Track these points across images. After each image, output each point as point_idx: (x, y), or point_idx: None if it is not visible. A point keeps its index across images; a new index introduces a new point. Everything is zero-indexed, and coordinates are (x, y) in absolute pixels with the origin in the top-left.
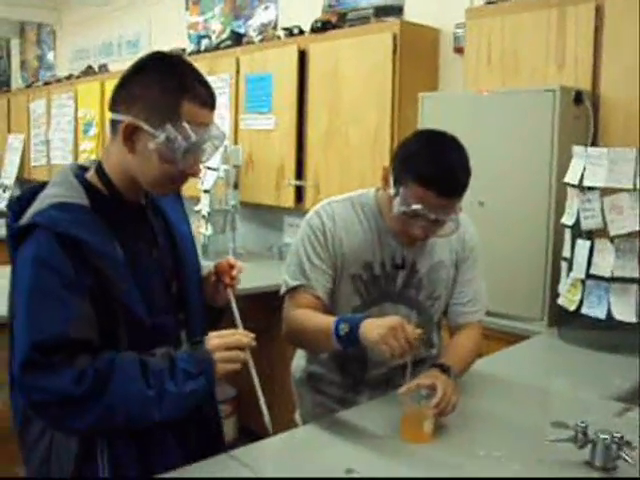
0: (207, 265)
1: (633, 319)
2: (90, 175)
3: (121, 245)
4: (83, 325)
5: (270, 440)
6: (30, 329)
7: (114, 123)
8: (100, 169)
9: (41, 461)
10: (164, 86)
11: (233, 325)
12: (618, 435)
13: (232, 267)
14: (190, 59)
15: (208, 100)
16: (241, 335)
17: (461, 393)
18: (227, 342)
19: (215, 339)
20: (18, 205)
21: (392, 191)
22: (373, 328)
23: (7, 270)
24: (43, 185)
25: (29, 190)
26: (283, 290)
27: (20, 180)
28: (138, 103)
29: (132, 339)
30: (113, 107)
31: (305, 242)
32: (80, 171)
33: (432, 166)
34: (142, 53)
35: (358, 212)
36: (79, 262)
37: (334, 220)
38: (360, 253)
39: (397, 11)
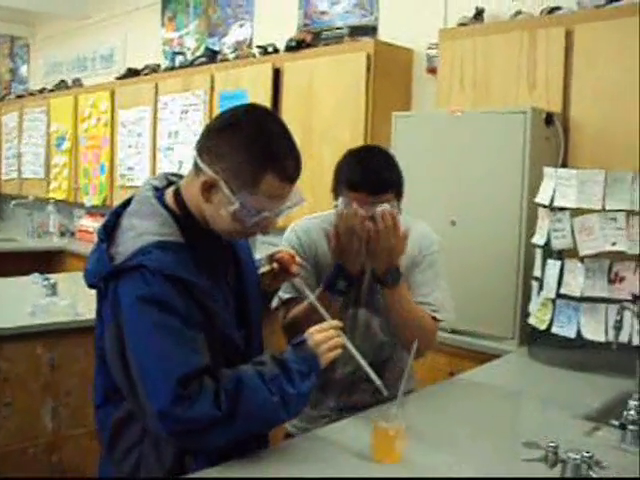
0: None
1: (602, 338)
2: (170, 202)
3: (209, 274)
4: (204, 354)
5: (238, 461)
6: (168, 365)
7: (197, 166)
8: (180, 199)
9: (130, 474)
10: (251, 153)
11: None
12: (588, 455)
13: (293, 257)
14: (164, 75)
15: (293, 174)
16: (333, 322)
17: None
18: (328, 335)
19: (317, 335)
20: (105, 233)
21: (335, 204)
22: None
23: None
24: (123, 206)
25: (111, 215)
26: (277, 303)
27: None
28: (222, 162)
29: (227, 359)
30: (199, 152)
31: None
32: (159, 194)
33: (357, 172)
34: (117, 68)
35: (327, 227)
36: (188, 299)
37: (308, 233)
38: (330, 262)
39: (371, 31)
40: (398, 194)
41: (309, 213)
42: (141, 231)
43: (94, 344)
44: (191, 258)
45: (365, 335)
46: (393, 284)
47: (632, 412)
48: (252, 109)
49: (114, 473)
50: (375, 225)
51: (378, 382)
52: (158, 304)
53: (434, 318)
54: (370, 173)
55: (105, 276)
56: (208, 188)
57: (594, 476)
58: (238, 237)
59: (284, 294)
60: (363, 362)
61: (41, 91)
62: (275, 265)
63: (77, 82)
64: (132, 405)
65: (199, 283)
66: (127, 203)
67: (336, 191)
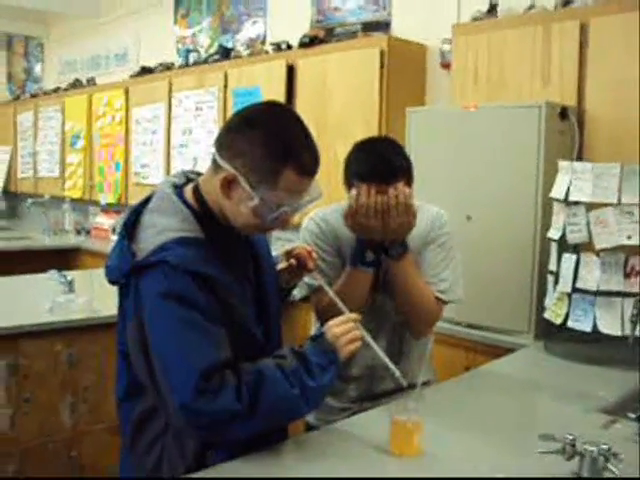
0: None
1: (618, 332)
2: (189, 198)
3: (229, 269)
4: (225, 348)
5: (258, 454)
6: (191, 359)
7: (216, 163)
8: (199, 196)
9: (153, 467)
10: (269, 149)
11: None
12: (605, 447)
13: (310, 253)
14: (178, 73)
15: (311, 169)
16: (352, 315)
17: None
18: (346, 328)
19: (335, 328)
20: (126, 230)
21: (349, 195)
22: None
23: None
24: (143, 204)
25: (131, 212)
26: (307, 292)
27: (6, 192)
28: (241, 158)
29: (247, 354)
30: (218, 148)
31: (315, 249)
32: (178, 191)
33: (366, 162)
34: (130, 67)
35: (341, 216)
36: (209, 294)
37: (326, 220)
38: (352, 243)
39: (384, 27)
40: (408, 180)
41: (324, 207)
42: (162, 227)
43: (115, 340)
44: (211, 253)
45: (380, 318)
46: (398, 256)
47: None
48: (270, 106)
49: (136, 467)
50: (388, 199)
51: (397, 374)
52: (180, 299)
53: (439, 299)
54: (379, 162)
55: (127, 272)
56: (228, 184)
57: (612, 468)
58: (257, 232)
59: (313, 281)
60: (382, 354)
61: (55, 90)
62: (293, 261)
63: (91, 81)
64: (155, 399)
65: (220, 278)
66: (147, 201)
67: (348, 183)
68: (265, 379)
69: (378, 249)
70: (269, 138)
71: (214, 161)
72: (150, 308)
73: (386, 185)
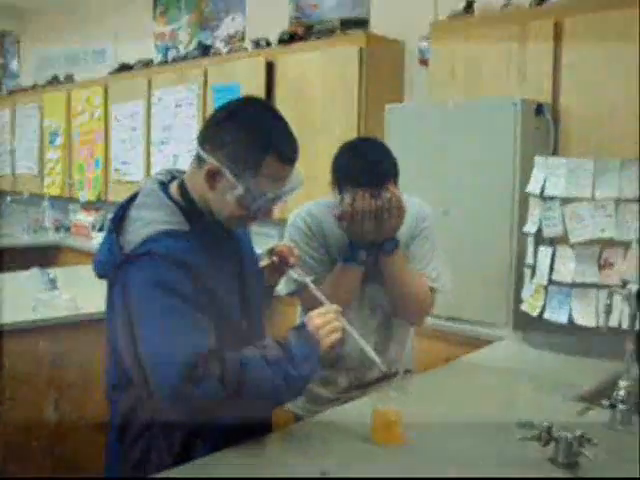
0: None
1: (593, 323)
2: (175, 194)
3: (214, 261)
4: (210, 336)
5: (242, 446)
6: (177, 347)
7: (200, 157)
8: (185, 191)
9: (141, 457)
10: (251, 139)
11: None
12: (579, 433)
13: (291, 249)
14: (157, 70)
15: (291, 156)
16: (332, 306)
17: None
18: (326, 319)
19: (316, 319)
20: (114, 225)
21: (339, 198)
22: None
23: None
24: (130, 201)
25: (119, 208)
26: (294, 287)
27: None
28: (224, 149)
29: (231, 343)
30: (201, 143)
31: (299, 243)
32: (164, 187)
33: (357, 167)
34: (109, 63)
35: (328, 208)
36: (195, 284)
37: (312, 214)
38: (338, 238)
39: (363, 24)
40: (396, 179)
41: (305, 203)
42: (149, 221)
43: (100, 336)
44: (197, 245)
45: (372, 309)
46: (391, 251)
47: (622, 392)
48: (250, 101)
49: (123, 458)
50: (382, 203)
51: (377, 360)
52: (166, 288)
53: (431, 287)
54: (370, 167)
55: (116, 265)
56: (212, 176)
57: (586, 453)
58: (242, 224)
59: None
60: (363, 342)
61: (33, 87)
62: (275, 258)
63: (69, 77)
64: (141, 389)
65: (205, 268)
66: (134, 197)
67: (337, 185)
68: (249, 368)
69: (370, 248)
70: (250, 129)
71: (197, 156)
72: (137, 297)
73: (378, 188)
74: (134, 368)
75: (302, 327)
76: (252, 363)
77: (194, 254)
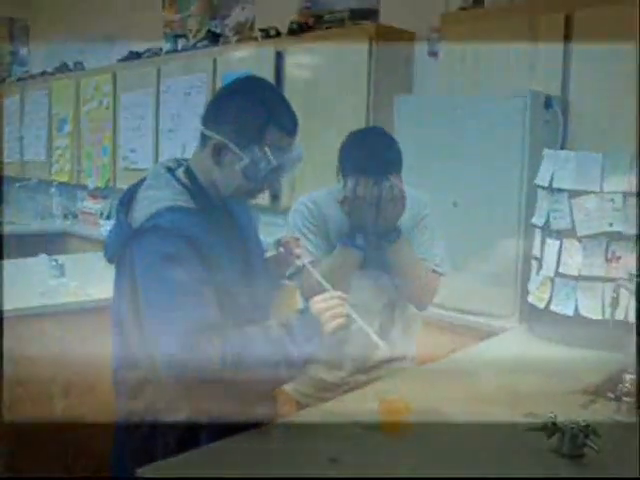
0: None
1: (599, 316)
2: (182, 177)
3: (219, 237)
4: (214, 309)
5: (245, 435)
6: (180, 318)
7: (204, 136)
8: (190, 173)
9: (144, 441)
10: (253, 112)
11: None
12: (584, 424)
13: (297, 240)
14: (166, 58)
15: (292, 128)
16: (336, 292)
17: None
18: (331, 303)
19: (320, 303)
20: (121, 206)
21: (344, 185)
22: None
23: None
24: (137, 184)
25: (127, 190)
26: (293, 270)
27: None
28: (228, 124)
29: (233, 319)
30: (205, 122)
31: (302, 229)
32: (171, 171)
33: (363, 156)
34: (118, 51)
35: (332, 196)
36: (199, 257)
37: (315, 202)
38: (339, 223)
39: (373, 14)
40: (399, 170)
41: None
42: (155, 199)
43: (108, 323)
44: (203, 221)
45: (376, 293)
46: (394, 240)
47: (627, 385)
48: (249, 77)
49: (127, 442)
50: (384, 193)
51: (381, 344)
52: (171, 260)
53: (435, 272)
54: (376, 157)
55: (124, 241)
56: (218, 151)
57: (591, 445)
58: (249, 197)
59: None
60: (367, 327)
61: (42, 74)
62: (281, 249)
63: (79, 65)
64: (145, 363)
65: (211, 243)
66: (141, 182)
67: (343, 172)
68: (250, 343)
69: (368, 234)
70: (251, 103)
71: (202, 136)
72: (143, 269)
73: (381, 177)
74: (139, 342)
75: (305, 310)
76: (254, 339)
77: (199, 228)
